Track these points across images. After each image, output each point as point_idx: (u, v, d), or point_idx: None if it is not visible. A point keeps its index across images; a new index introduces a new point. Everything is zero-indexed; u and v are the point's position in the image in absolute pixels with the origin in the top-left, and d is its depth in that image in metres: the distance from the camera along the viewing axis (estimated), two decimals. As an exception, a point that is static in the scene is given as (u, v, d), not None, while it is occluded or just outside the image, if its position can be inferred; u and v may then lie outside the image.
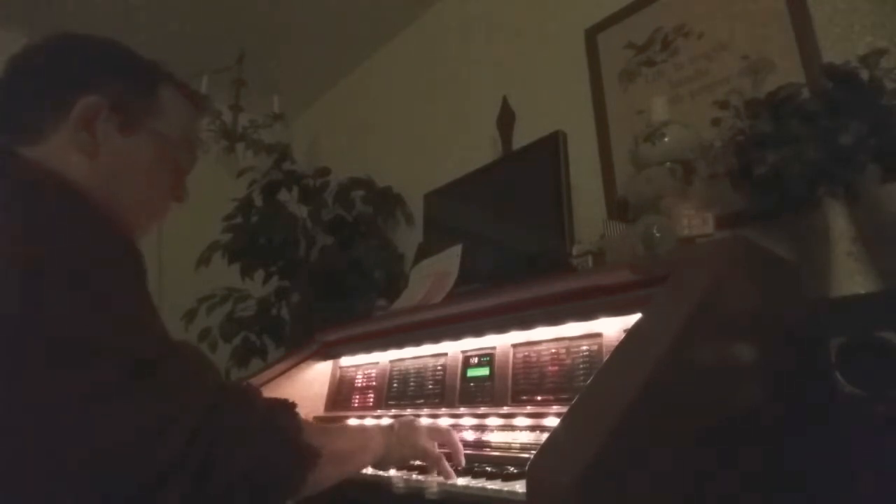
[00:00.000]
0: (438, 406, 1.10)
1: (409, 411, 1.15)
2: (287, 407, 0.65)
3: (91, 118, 0.69)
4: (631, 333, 0.68)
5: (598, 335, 0.90)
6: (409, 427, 0.87)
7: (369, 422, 1.22)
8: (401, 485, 0.81)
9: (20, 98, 0.71)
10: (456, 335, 1.12)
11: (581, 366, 0.90)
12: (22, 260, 0.54)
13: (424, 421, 0.94)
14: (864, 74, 0.96)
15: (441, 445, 0.87)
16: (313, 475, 0.62)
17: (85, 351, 0.52)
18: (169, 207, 0.82)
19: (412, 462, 0.88)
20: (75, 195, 0.64)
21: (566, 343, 0.94)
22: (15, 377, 0.52)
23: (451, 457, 0.87)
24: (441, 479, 0.81)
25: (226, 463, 0.53)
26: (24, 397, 0.52)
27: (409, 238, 2.14)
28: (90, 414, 0.50)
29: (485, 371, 1.05)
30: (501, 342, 1.05)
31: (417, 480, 0.82)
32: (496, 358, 1.04)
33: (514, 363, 1.01)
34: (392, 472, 0.87)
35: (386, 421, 1.17)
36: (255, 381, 1.31)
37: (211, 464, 0.52)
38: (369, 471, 0.87)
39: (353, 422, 1.26)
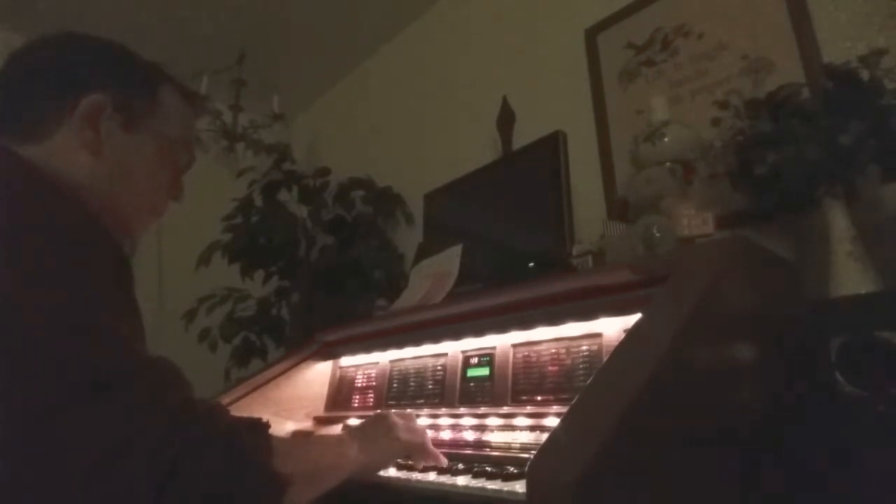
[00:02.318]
0: (438, 406, 1.10)
1: (409, 411, 1.14)
2: (256, 429, 0.60)
3: (95, 116, 0.69)
4: (631, 333, 0.68)
5: (598, 335, 0.90)
6: (383, 424, 0.84)
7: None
8: (400, 484, 0.81)
9: (23, 96, 0.70)
10: (456, 335, 1.12)
11: (581, 366, 0.90)
12: None
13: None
14: (864, 74, 0.96)
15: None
16: (283, 502, 0.58)
17: (45, 366, 0.49)
18: (167, 205, 0.82)
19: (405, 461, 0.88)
20: (64, 196, 0.62)
21: (566, 343, 0.94)
22: None
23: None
24: (443, 478, 0.81)
25: (182, 495, 0.49)
26: None
27: (409, 238, 2.14)
28: (50, 431, 0.48)
29: (485, 371, 1.05)
30: (501, 342, 1.05)
31: (417, 480, 0.82)
32: (496, 358, 1.04)
33: (514, 363, 1.01)
34: (391, 472, 0.87)
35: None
36: (255, 381, 1.31)
37: (165, 496, 0.48)
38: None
39: (353, 422, 1.26)
